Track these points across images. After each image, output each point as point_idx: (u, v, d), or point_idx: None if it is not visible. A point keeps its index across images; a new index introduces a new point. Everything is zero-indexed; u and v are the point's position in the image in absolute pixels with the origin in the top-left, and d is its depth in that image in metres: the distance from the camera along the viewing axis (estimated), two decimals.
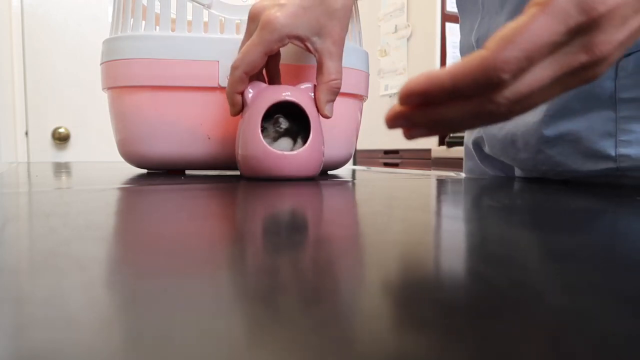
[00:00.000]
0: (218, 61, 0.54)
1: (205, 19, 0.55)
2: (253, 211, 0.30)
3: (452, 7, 2.24)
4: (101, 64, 0.58)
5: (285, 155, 0.48)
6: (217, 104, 0.56)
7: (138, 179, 0.52)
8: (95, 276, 0.14)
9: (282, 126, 0.49)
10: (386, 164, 2.48)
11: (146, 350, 0.09)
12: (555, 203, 0.35)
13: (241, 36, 0.55)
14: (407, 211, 0.29)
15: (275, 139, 0.49)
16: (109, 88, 0.58)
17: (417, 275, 0.15)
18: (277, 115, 0.48)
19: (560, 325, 0.11)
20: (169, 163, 0.58)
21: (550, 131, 0.49)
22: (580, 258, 0.17)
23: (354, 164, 2.61)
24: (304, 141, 0.49)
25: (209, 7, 0.55)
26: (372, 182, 0.53)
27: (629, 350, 0.09)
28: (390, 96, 2.50)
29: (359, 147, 2.57)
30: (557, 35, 0.23)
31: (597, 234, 0.23)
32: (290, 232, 0.22)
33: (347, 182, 0.52)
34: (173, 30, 0.55)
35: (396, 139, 2.44)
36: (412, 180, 0.55)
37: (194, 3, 0.55)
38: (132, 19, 0.56)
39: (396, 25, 2.52)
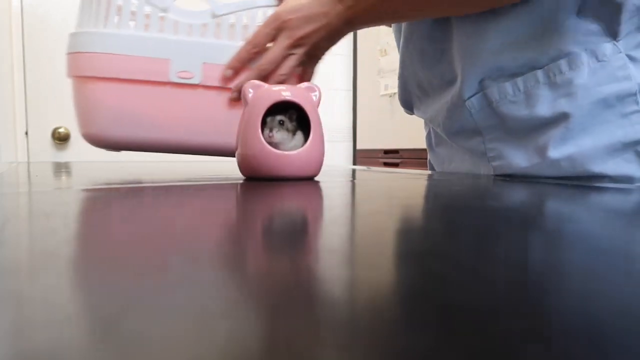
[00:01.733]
0: (169, 59, 0.59)
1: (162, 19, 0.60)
2: (253, 211, 0.30)
3: None
4: (66, 54, 0.62)
5: (285, 155, 0.48)
6: (168, 97, 0.60)
7: (138, 178, 0.52)
8: (95, 276, 0.14)
9: (276, 124, 0.49)
10: (386, 164, 2.48)
11: (146, 350, 0.09)
12: (555, 202, 0.35)
13: (193, 38, 0.62)
14: (407, 211, 0.29)
15: (268, 133, 0.49)
16: (73, 76, 0.62)
17: (416, 274, 0.15)
18: (270, 119, 0.48)
19: (558, 325, 0.11)
20: (125, 146, 0.62)
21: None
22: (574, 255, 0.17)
23: (354, 163, 2.61)
24: (304, 138, 0.49)
25: (165, 10, 0.59)
26: (372, 182, 0.53)
27: (627, 349, 0.09)
28: (390, 96, 2.50)
29: (358, 147, 2.57)
30: (269, 31, 0.55)
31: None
32: (290, 232, 0.22)
33: (347, 182, 0.52)
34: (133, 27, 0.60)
35: (396, 139, 2.45)
36: (412, 180, 0.55)
37: (152, 6, 0.59)
38: (97, 16, 0.60)
39: None
